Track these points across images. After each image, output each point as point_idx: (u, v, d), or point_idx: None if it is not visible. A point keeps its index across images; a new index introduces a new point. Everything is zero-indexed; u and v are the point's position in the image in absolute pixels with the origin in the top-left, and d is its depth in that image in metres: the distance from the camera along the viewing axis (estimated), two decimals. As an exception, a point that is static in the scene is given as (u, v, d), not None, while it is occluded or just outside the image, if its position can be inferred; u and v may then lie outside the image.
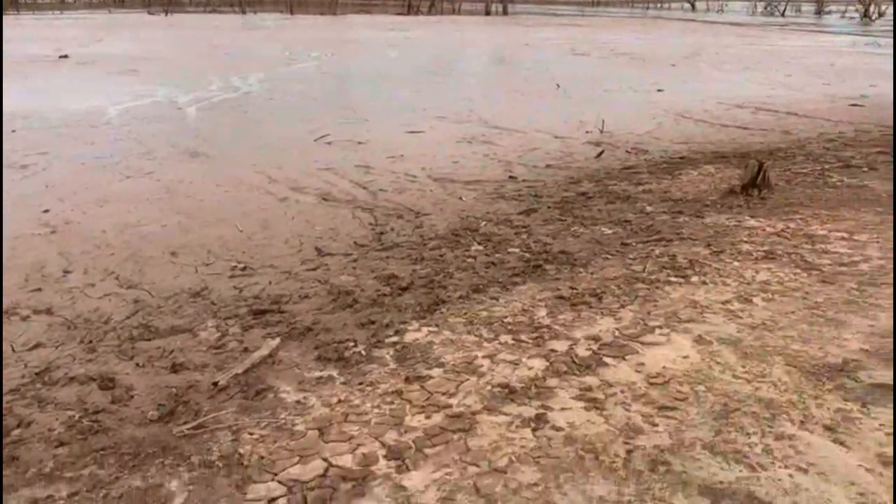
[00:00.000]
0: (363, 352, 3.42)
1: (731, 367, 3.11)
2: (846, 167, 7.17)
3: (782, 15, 43.14)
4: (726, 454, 2.46)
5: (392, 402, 2.90)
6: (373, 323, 3.79)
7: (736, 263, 4.45)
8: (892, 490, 2.26)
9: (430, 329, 3.68)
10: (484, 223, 5.80)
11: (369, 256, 5.09)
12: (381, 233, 5.68)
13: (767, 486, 2.26)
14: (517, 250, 5.03)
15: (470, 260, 4.87)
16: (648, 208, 5.99)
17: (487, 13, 39.98)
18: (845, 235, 4.93)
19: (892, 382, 2.94)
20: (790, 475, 2.33)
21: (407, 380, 3.10)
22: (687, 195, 6.38)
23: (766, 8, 46.01)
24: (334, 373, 3.21)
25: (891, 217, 5.31)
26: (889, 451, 2.49)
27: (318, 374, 3.22)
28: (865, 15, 40.23)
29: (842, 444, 2.51)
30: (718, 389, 2.92)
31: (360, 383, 3.09)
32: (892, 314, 3.62)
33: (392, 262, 4.92)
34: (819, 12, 44.86)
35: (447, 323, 3.75)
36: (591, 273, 4.45)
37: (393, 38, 23.91)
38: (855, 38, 27.73)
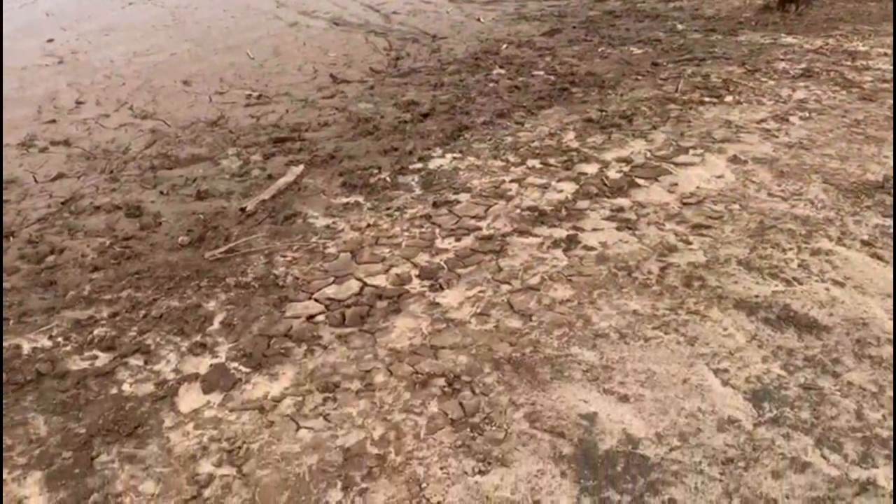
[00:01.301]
0: (388, 178, 3.36)
1: (767, 186, 3.04)
2: (892, -21, 6.68)
3: None
4: (762, 270, 2.44)
5: (421, 226, 2.87)
6: (395, 150, 3.70)
7: (772, 82, 4.26)
8: (930, 301, 2.25)
9: (455, 155, 3.60)
10: (505, 45, 5.54)
11: (386, 83, 4.91)
12: (398, 58, 5.45)
13: (804, 299, 2.26)
14: (542, 73, 4.82)
15: (492, 84, 4.69)
16: (679, 26, 5.67)
17: None
18: (888, 52, 4.66)
19: (932, 198, 2.86)
20: (826, 289, 2.32)
21: (435, 204, 3.06)
22: (720, 12, 6.01)
23: None
24: (361, 199, 3.17)
25: (938, 31, 5.01)
26: (927, 264, 2.46)
27: (344, 200, 3.18)
28: None
29: (879, 258, 2.48)
30: (754, 208, 2.87)
31: (388, 209, 3.06)
32: (935, 131, 3.48)
33: (411, 88, 4.75)
34: None
35: (472, 149, 3.66)
36: (621, 95, 4.28)
37: None
38: None
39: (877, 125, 3.60)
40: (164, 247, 2.84)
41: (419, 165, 3.50)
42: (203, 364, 2.12)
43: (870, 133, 3.50)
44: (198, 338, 2.24)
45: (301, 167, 3.52)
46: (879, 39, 4.94)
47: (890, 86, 4.11)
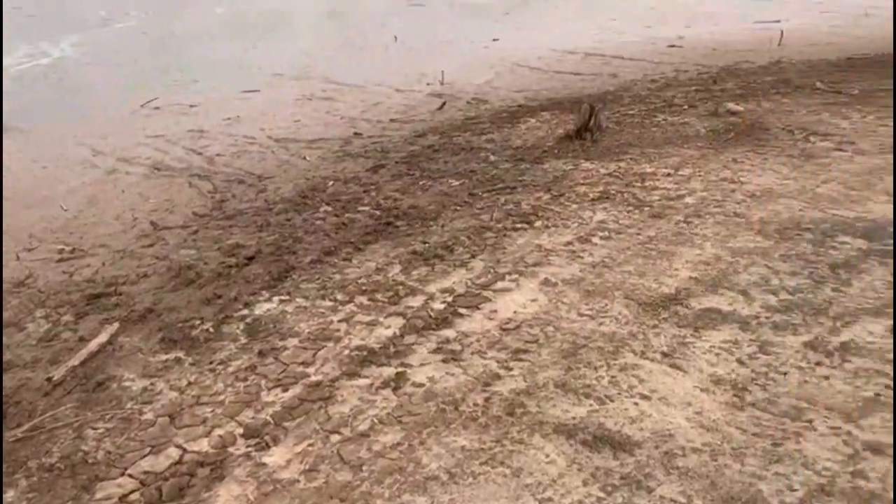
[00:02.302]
0: (211, 329, 3.27)
1: (576, 306, 3.26)
2: (669, 106, 7.63)
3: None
4: (577, 390, 2.58)
5: (246, 379, 2.80)
6: (219, 298, 3.63)
7: (575, 206, 4.65)
8: (722, 406, 2.47)
9: (282, 298, 3.58)
10: (331, 183, 5.69)
11: (211, 227, 4.86)
12: (222, 200, 5.43)
13: (615, 417, 2.41)
14: (367, 208, 4.98)
15: (319, 222, 4.77)
16: (492, 157, 6.10)
17: (318, -36, 38.45)
18: (671, 171, 5.26)
19: (719, 307, 3.20)
20: (635, 403, 2.49)
21: (260, 353, 3.00)
22: (527, 142, 6.55)
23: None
24: (181, 354, 3.06)
25: (710, 150, 5.73)
26: (718, 370, 2.72)
27: (163, 357, 3.04)
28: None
29: (678, 368, 2.71)
30: (566, 328, 3.06)
31: (211, 363, 2.96)
32: (716, 243, 3.93)
33: (236, 231, 4.72)
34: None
35: (299, 290, 3.66)
36: (442, 226, 4.49)
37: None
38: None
39: (666, 240, 4.00)
40: (-46, 432, 2.56)
41: (244, 312, 3.45)
42: (-6, 570, 1.89)
43: (661, 248, 3.89)
44: (-11, 539, 2.01)
45: (116, 325, 3.35)
46: (663, 161, 5.57)
47: (675, 203, 4.61)
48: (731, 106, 7.09)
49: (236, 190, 5.66)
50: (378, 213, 4.85)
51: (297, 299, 3.55)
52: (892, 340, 2.86)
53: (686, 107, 7.54)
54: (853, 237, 3.89)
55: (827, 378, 2.64)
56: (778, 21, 14.48)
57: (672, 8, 18.03)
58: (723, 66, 10.31)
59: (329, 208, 5.04)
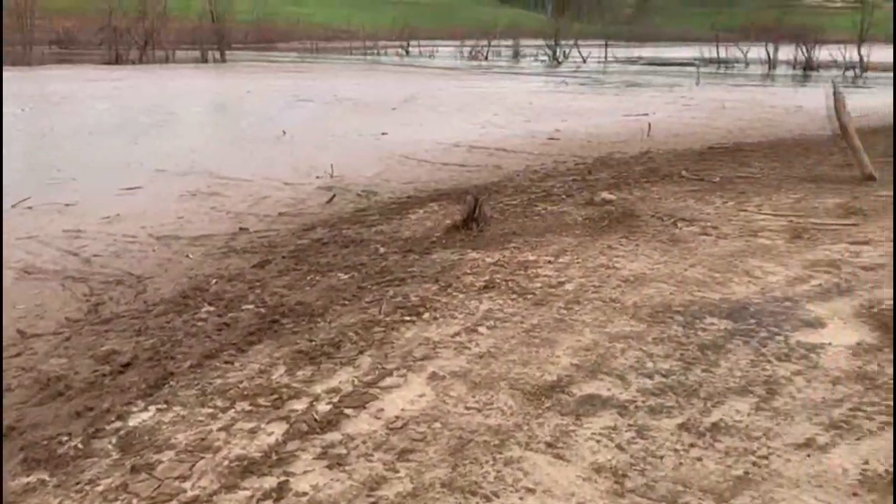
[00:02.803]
0: (80, 445, 3.07)
1: (463, 399, 3.28)
2: (549, 196, 8.01)
3: (486, 59, 47.41)
4: (463, 489, 2.57)
5: (116, 500, 2.62)
6: (90, 410, 3.42)
7: (462, 296, 4.73)
8: (603, 495, 2.52)
9: (159, 407, 3.41)
10: (215, 281, 5.56)
11: (84, 332, 4.62)
12: (98, 304, 5.19)
13: (501, 513, 2.40)
14: (252, 307, 4.88)
15: (201, 323, 4.63)
16: (381, 249, 6.16)
17: (204, 60, 38.37)
18: (551, 259, 5.47)
19: (598, 393, 3.29)
20: (520, 498, 2.50)
21: (133, 469, 2.83)
22: (416, 233, 6.67)
23: (471, 53, 50.27)
24: (45, 476, 2.84)
25: (587, 238, 6.01)
26: (599, 457, 2.78)
27: (25, 480, 2.82)
28: (554, 58, 45.66)
29: (561, 458, 2.76)
30: (453, 424, 3.06)
31: (77, 483, 2.76)
32: (594, 329, 4.08)
33: (112, 336, 4.51)
34: (516, 56, 50.00)
35: (177, 398, 3.51)
36: (329, 322, 4.45)
37: (102, 89, 22.20)
38: (547, 79, 31.32)
39: (549, 328, 4.12)
40: None
41: (117, 424, 3.25)
42: None
43: (544, 336, 4.00)
44: None
45: (-30, 449, 3.08)
46: (544, 249, 5.80)
47: (556, 290, 4.78)
48: (606, 195, 7.52)
49: (113, 292, 5.43)
50: (263, 311, 4.76)
51: (175, 408, 3.39)
52: (757, 418, 3.03)
53: (564, 196, 7.93)
54: (719, 318, 4.14)
55: (700, 459, 2.75)
56: (646, 114, 15.66)
57: (549, 104, 19.16)
58: (597, 157, 10.97)
59: (212, 308, 4.91)
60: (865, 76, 33.29)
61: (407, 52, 54.19)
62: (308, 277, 5.50)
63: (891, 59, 37.53)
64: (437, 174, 9.94)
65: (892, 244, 5.40)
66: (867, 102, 17.42)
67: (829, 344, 3.75)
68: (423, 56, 51.67)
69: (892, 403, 3.09)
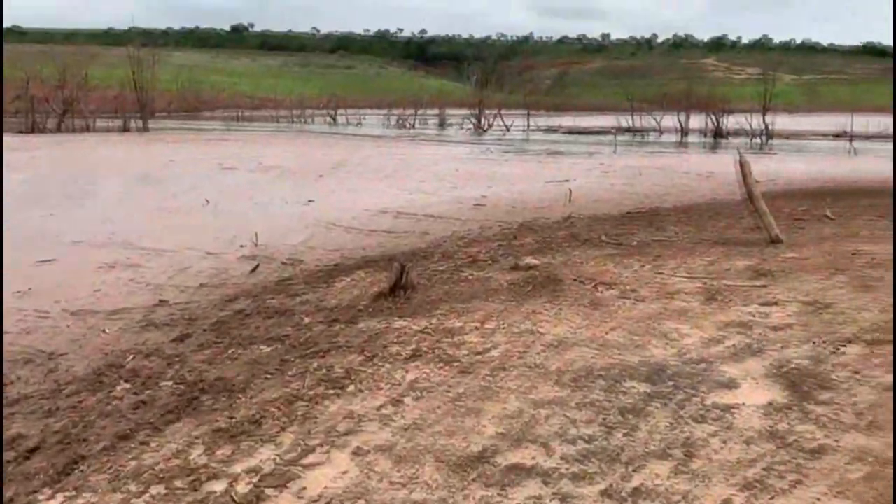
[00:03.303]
0: (-23, 541, 2.87)
1: (388, 475, 3.23)
2: (475, 262, 8.12)
3: (412, 127, 48.36)
4: (387, 568, 2.51)
5: None
6: (-10, 501, 3.21)
7: (388, 366, 4.70)
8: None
9: (67, 495, 3.23)
10: (132, 357, 5.38)
11: (-13, 417, 4.36)
12: (4, 385, 4.93)
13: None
14: (170, 384, 4.72)
15: (115, 403, 4.45)
16: (306, 319, 6.09)
17: (126, 129, 37.65)
18: (477, 325, 5.52)
19: (523, 462, 3.30)
20: (445, 575, 2.45)
21: (35, 565, 2.66)
22: (342, 302, 6.63)
23: (397, 121, 51.23)
24: (-64, 578, 2.63)
25: (512, 303, 6.10)
26: (524, 527, 2.78)
27: (-89, 584, 2.60)
28: (478, 127, 46.95)
29: (486, 531, 2.73)
30: (377, 501, 3.00)
31: (-28, 584, 2.57)
32: (519, 396, 4.11)
33: (18, 419, 4.28)
34: (442, 124, 51.21)
35: (87, 484, 3.33)
36: (251, 398, 4.34)
37: (18, 158, 21.50)
38: (472, 146, 32.11)
39: (474, 396, 4.13)
40: None
41: (20, 516, 3.06)
42: None
43: (469, 405, 4.00)
44: None
45: None
46: (470, 315, 5.84)
47: (482, 356, 4.81)
48: (530, 260, 7.67)
49: (22, 371, 5.18)
50: (182, 387, 4.61)
51: (85, 494, 3.22)
52: (676, 481, 3.09)
53: (490, 262, 8.05)
54: (639, 381, 4.24)
55: (622, 525, 2.77)
56: (567, 180, 16.17)
57: (475, 171, 19.60)
58: (522, 223, 11.23)
59: (127, 385, 4.73)
60: (771, 143, 35.54)
61: (335, 120, 54.80)
62: (229, 351, 5.38)
63: (793, 128, 40.20)
64: (365, 241, 9.98)
65: (797, 305, 5.70)
66: (773, 167, 18.52)
67: (743, 404, 3.88)
68: (350, 124, 52.31)
69: (803, 461, 3.20)
